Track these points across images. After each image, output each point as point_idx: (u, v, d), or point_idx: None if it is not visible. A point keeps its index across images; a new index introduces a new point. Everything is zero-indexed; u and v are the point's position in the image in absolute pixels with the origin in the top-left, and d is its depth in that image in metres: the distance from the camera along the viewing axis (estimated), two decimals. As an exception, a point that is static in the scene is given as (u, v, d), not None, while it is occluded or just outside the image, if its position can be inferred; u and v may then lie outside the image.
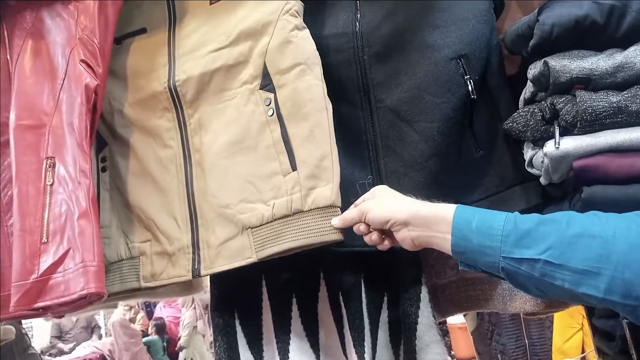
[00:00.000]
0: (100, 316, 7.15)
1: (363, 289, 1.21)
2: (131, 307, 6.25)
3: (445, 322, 3.68)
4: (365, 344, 1.16)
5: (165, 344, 6.41)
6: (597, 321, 1.18)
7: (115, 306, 1.63)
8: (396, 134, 1.15)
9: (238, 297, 1.28)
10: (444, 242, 0.85)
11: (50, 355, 5.74)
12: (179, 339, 6.38)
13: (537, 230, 0.76)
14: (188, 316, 6.40)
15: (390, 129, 1.15)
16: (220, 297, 1.28)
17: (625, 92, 0.85)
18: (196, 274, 1.14)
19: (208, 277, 1.27)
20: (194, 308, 6.44)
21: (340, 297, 1.23)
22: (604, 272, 0.70)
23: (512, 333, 2.66)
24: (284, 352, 1.23)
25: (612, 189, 0.84)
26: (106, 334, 6.56)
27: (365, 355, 1.15)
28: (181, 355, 6.32)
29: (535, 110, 0.93)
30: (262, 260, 1.10)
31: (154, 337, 6.29)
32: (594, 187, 0.85)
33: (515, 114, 1.03)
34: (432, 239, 0.87)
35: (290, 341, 1.23)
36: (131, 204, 1.23)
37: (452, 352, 3.65)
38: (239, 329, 1.26)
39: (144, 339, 6.08)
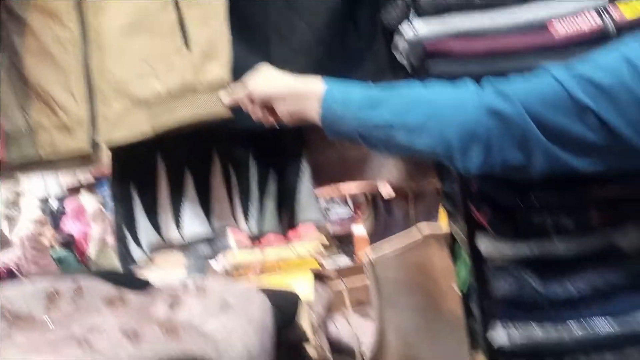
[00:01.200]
0: (6, 229, 6.95)
1: (253, 163, 1.34)
2: (39, 221, 6.12)
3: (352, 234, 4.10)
4: (253, 209, 1.31)
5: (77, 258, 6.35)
6: (442, 185, 1.36)
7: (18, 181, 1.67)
8: (287, 24, 1.23)
9: (136, 170, 1.37)
10: (314, 114, 0.97)
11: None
12: (89, 252, 6.35)
13: (385, 100, 0.89)
14: (97, 231, 6.35)
15: (282, 19, 1.24)
16: (119, 169, 1.38)
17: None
18: (95, 145, 1.21)
19: (107, 151, 1.34)
20: (104, 222, 6.39)
21: (231, 171, 1.36)
22: (431, 129, 0.84)
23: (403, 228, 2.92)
24: (177, 216, 1.35)
25: (454, 65, 0.98)
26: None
27: (251, 218, 1.30)
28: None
29: (399, 2, 1.06)
30: (158, 135, 1.19)
31: (65, 252, 6.19)
32: (439, 63, 1.00)
33: (387, 5, 1.16)
34: (306, 113, 0.99)
35: (184, 207, 1.35)
36: (29, 81, 1.25)
37: (355, 257, 4.05)
38: (136, 198, 1.37)
39: (55, 255, 5.98)
